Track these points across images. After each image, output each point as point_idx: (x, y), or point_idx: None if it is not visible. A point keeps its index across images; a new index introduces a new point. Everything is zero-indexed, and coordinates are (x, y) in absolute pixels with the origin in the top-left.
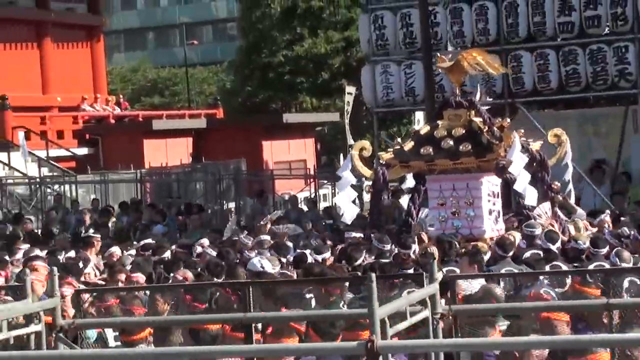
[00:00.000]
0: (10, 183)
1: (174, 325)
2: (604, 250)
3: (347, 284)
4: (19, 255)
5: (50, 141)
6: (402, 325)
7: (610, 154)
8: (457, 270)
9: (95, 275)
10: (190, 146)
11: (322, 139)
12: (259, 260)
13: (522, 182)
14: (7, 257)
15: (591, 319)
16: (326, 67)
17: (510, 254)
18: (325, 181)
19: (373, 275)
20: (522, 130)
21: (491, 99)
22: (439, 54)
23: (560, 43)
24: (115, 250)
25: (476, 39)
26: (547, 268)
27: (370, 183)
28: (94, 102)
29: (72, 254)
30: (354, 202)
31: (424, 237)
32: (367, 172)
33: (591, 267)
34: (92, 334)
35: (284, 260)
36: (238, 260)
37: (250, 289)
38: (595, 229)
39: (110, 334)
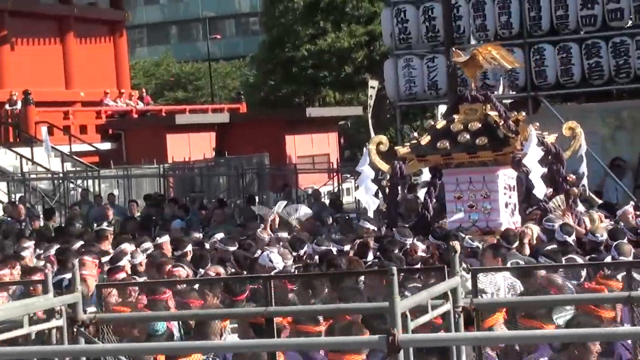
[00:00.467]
0: (33, 178)
1: (193, 319)
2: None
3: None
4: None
5: (73, 136)
6: (423, 319)
7: (633, 147)
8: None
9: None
10: (214, 141)
11: (345, 133)
12: (267, 254)
13: (535, 175)
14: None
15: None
16: (349, 61)
17: (515, 245)
18: (348, 175)
19: (394, 268)
20: (537, 124)
21: (514, 92)
22: (454, 49)
23: (583, 36)
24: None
25: (499, 33)
26: (563, 261)
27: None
28: (117, 97)
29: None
30: (375, 195)
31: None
32: (384, 166)
33: (608, 258)
34: (161, 326)
35: (300, 252)
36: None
37: (271, 283)
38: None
39: (176, 326)
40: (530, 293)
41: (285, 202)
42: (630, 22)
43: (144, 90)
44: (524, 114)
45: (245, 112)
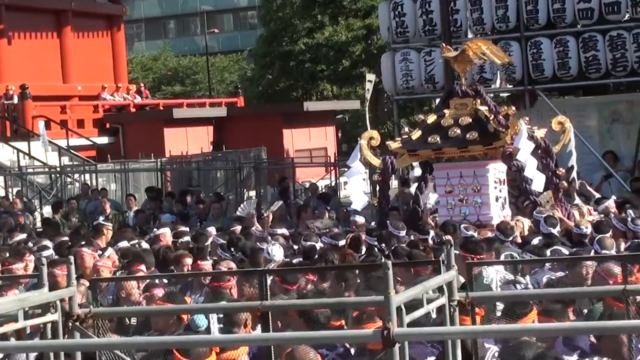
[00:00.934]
0: (30, 172)
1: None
2: (608, 235)
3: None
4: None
5: (71, 130)
6: (418, 313)
7: (630, 141)
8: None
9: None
10: (211, 134)
11: (343, 127)
12: (267, 248)
13: (531, 169)
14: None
15: None
16: (347, 55)
17: (511, 238)
18: (346, 169)
19: (389, 262)
20: (527, 118)
21: (511, 86)
22: (443, 44)
23: (579, 30)
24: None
25: (496, 26)
26: (548, 252)
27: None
28: (114, 91)
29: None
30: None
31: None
32: (375, 161)
33: (592, 252)
34: (204, 322)
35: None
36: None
37: (266, 277)
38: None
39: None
40: (575, 285)
41: (281, 202)
42: (627, 16)
43: (142, 84)
44: (513, 108)
45: (243, 106)
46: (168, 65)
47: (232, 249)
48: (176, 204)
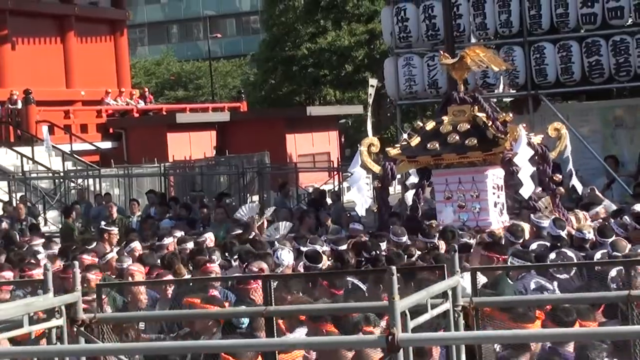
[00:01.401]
0: (34, 177)
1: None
2: (610, 240)
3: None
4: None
5: (74, 135)
6: (423, 318)
7: (633, 146)
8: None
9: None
10: (214, 139)
11: (346, 132)
12: (277, 252)
13: (525, 174)
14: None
15: None
16: (350, 60)
17: (520, 241)
18: (349, 174)
19: (393, 268)
20: (525, 124)
21: (514, 91)
22: (441, 51)
23: (583, 34)
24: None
25: (499, 31)
26: (554, 254)
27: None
28: (117, 95)
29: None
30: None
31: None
32: (375, 167)
33: (598, 255)
34: (246, 320)
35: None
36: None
37: (271, 283)
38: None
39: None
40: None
41: (274, 208)
42: (630, 21)
43: (145, 89)
44: (511, 115)
45: (246, 111)
46: (171, 70)
47: (227, 254)
48: (180, 208)
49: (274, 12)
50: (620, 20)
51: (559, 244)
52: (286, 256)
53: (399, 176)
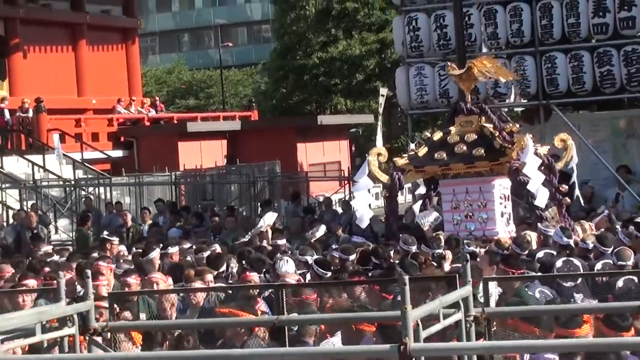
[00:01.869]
0: (45, 185)
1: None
2: (610, 249)
3: None
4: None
5: (85, 143)
6: (435, 328)
7: None
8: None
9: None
10: (225, 148)
11: (357, 141)
12: (284, 261)
13: (536, 183)
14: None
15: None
16: (361, 69)
17: (526, 252)
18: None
19: (406, 277)
20: (532, 135)
21: (525, 101)
22: (448, 62)
23: (594, 44)
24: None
25: (510, 41)
26: (560, 263)
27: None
28: (129, 104)
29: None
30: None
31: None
32: (383, 177)
33: (599, 265)
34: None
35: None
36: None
37: (283, 292)
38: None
39: None
40: None
41: (276, 215)
42: None
43: (156, 97)
44: (517, 125)
45: (257, 120)
46: (182, 79)
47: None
48: (192, 217)
49: (285, 21)
50: (632, 30)
51: (567, 252)
52: (286, 267)
53: (409, 186)
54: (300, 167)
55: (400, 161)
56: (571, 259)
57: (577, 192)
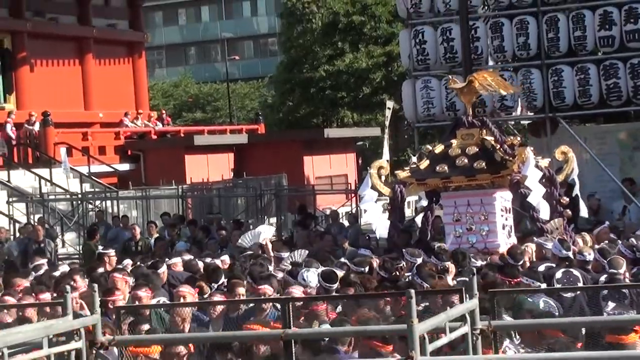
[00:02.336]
0: (52, 199)
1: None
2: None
3: None
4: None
5: (92, 157)
6: (441, 342)
7: None
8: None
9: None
10: (232, 161)
11: (364, 154)
12: (302, 273)
13: (537, 196)
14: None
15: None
16: (367, 82)
17: (520, 263)
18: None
19: (412, 290)
20: (532, 148)
21: (532, 114)
22: (450, 76)
23: (600, 57)
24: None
25: (517, 54)
26: (560, 273)
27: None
28: (135, 117)
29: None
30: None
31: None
32: (385, 190)
33: (603, 278)
34: None
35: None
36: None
37: (289, 305)
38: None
39: None
40: None
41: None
42: None
43: (163, 111)
44: (518, 138)
45: (264, 133)
46: (189, 92)
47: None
48: (198, 231)
49: (292, 34)
50: (638, 43)
51: (567, 263)
52: (312, 277)
53: (415, 199)
54: (307, 180)
55: (402, 174)
56: (571, 269)
57: (581, 203)
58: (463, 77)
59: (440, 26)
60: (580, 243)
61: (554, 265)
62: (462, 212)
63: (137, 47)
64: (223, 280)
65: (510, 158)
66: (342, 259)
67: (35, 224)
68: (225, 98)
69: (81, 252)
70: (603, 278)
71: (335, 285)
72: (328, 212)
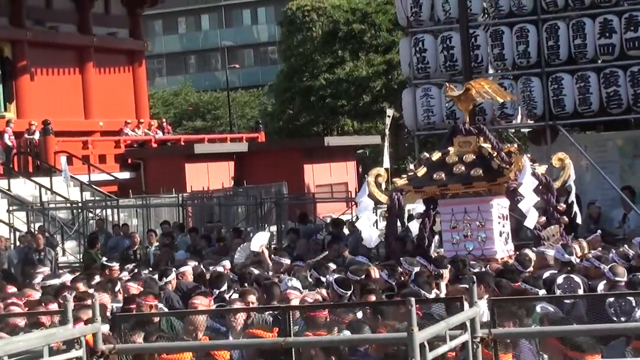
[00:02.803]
0: (52, 208)
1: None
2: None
3: None
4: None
5: (93, 165)
6: (442, 349)
7: None
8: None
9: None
10: (232, 170)
11: (364, 162)
12: (286, 282)
13: (528, 203)
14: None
15: None
16: (367, 90)
17: (528, 270)
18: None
19: (412, 299)
20: (531, 155)
21: (532, 122)
22: (447, 84)
23: (601, 65)
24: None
25: (517, 62)
26: (561, 279)
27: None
28: (136, 126)
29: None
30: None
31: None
32: (383, 198)
33: (601, 285)
34: None
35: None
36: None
37: (289, 313)
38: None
39: None
40: None
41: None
42: None
43: (163, 119)
44: (515, 145)
45: (264, 142)
46: (189, 101)
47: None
48: (200, 239)
49: (292, 42)
50: (638, 51)
51: (569, 268)
52: (297, 285)
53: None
54: (307, 188)
55: (400, 182)
56: (572, 275)
57: (576, 209)
58: (463, 85)
59: (440, 34)
60: (577, 250)
61: (556, 271)
62: (459, 219)
63: (137, 56)
64: (225, 288)
65: (507, 165)
66: (333, 266)
67: (36, 232)
68: (226, 106)
69: (82, 260)
70: (602, 285)
71: (349, 292)
72: (328, 220)
